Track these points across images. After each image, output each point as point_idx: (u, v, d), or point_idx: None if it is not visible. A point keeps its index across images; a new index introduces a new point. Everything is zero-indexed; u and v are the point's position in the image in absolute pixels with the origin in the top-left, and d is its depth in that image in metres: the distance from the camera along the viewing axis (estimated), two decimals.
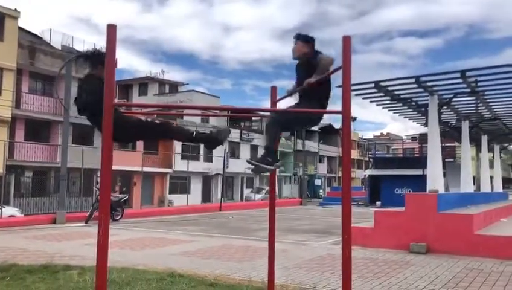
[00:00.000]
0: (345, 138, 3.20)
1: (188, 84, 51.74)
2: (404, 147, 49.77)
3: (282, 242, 9.74)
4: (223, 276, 6.47)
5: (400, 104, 14.83)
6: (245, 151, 43.50)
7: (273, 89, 4.48)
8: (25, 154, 25.39)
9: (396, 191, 26.49)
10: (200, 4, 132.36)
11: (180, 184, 35.10)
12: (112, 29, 2.81)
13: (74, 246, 9.62)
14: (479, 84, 12.29)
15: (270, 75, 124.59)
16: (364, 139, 63.50)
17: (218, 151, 36.05)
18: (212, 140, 4.12)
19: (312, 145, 51.81)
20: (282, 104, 4.51)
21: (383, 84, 12.73)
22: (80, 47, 26.52)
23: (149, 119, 4.18)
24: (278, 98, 4.45)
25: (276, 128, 4.08)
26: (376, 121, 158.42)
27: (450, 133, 19.97)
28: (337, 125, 49.36)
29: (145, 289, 5.48)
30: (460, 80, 11.79)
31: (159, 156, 34.96)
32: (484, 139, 19.51)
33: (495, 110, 15.49)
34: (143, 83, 43.60)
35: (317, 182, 49.01)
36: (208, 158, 38.65)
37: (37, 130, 26.63)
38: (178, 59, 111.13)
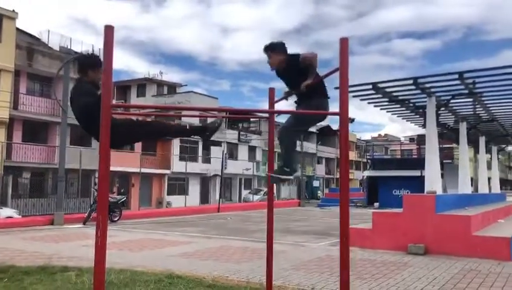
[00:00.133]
0: (343, 140, 3.20)
1: (186, 85, 51.58)
2: (402, 148, 49.80)
3: (280, 243, 9.74)
4: (221, 277, 6.47)
5: (398, 106, 14.83)
6: (243, 153, 43.51)
7: (271, 91, 4.47)
8: (23, 155, 25.34)
9: (394, 192, 26.51)
10: (199, 5, 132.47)
11: (178, 185, 35.09)
12: (109, 30, 2.81)
13: (72, 248, 9.60)
14: (477, 85, 12.28)
15: (268, 77, 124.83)
16: (362, 140, 63.58)
17: (217, 153, 36.14)
18: (206, 130, 4.10)
19: (310, 147, 51.80)
20: (280, 106, 4.52)
21: (380, 85, 12.73)
22: (78, 48, 26.56)
23: (140, 118, 4.15)
24: (276, 99, 4.45)
25: (289, 136, 4.10)
26: (374, 122, 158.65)
27: (447, 135, 19.98)
28: (335, 126, 49.40)
29: None
30: (458, 82, 11.80)
31: (157, 157, 34.93)
32: (482, 140, 19.52)
33: (493, 111, 15.50)
34: (141, 84, 43.58)
35: (316, 183, 49.04)
36: (206, 159, 38.65)
37: (35, 131, 26.59)
38: (176, 60, 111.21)
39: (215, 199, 33.28)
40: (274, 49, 4.10)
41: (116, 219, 15.97)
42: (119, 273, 6.22)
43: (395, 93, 13.42)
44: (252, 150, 44.88)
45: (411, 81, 11.92)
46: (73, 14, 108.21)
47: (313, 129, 53.06)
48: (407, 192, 21.85)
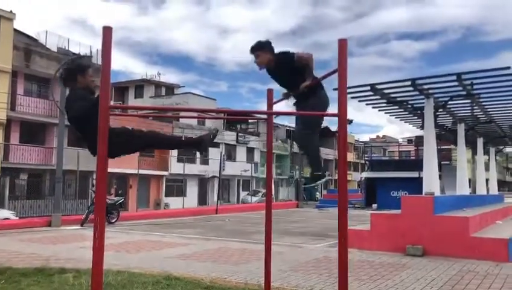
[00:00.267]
0: (341, 141, 3.19)
1: (184, 86, 51.56)
2: (400, 149, 49.85)
3: (278, 245, 9.72)
4: (219, 279, 6.45)
5: (396, 107, 14.86)
6: (241, 154, 43.50)
7: (270, 92, 4.47)
8: (20, 156, 25.29)
9: (393, 193, 26.51)
10: (197, 7, 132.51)
11: (176, 187, 35.06)
12: (107, 31, 2.80)
13: (69, 249, 9.57)
14: (475, 87, 12.31)
15: (266, 78, 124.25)
16: (361, 141, 63.65)
17: (215, 154, 36.11)
18: (201, 142, 4.10)
19: None
20: (279, 107, 4.52)
21: (379, 87, 12.75)
22: (76, 49, 26.53)
23: (136, 129, 4.15)
24: (274, 100, 4.45)
25: (304, 141, 4.11)
26: (372, 123, 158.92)
27: (445, 136, 20.02)
28: (334, 128, 49.37)
29: None
30: (456, 83, 11.82)
31: (154, 159, 34.88)
32: (480, 141, 19.56)
33: (490, 113, 15.54)
34: (139, 85, 43.57)
35: None
36: (204, 161, 38.62)
37: (32, 132, 26.54)
38: (174, 61, 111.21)
39: (213, 201, 33.25)
40: (262, 48, 4.07)
41: (113, 221, 15.93)
42: (117, 275, 6.20)
43: (393, 95, 13.44)
44: (250, 151, 44.87)
45: (409, 83, 11.94)
46: (71, 15, 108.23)
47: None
48: (406, 193, 21.84)
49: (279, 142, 46.87)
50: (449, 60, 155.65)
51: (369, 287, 6.19)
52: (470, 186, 17.71)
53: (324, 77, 3.84)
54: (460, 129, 15.96)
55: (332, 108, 3.79)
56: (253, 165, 41.91)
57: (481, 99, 13.74)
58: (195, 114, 26.98)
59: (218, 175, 27.59)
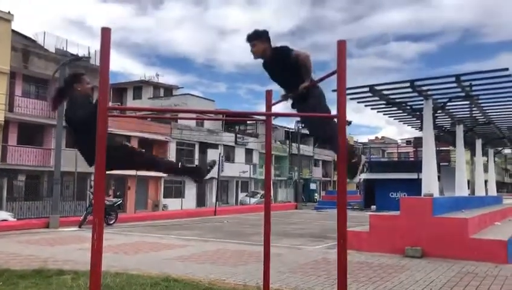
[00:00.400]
0: (340, 142, 3.18)
1: (182, 87, 51.67)
2: (399, 151, 49.91)
3: (277, 246, 9.70)
4: (217, 281, 6.43)
5: (395, 108, 14.86)
6: (240, 155, 43.47)
7: (268, 93, 4.45)
8: (18, 158, 25.23)
9: (391, 195, 26.52)
10: (195, 8, 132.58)
11: (175, 188, 35.03)
12: (106, 32, 2.79)
13: (68, 251, 9.54)
14: (474, 88, 12.32)
15: (265, 79, 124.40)
16: (360, 143, 63.66)
17: (213, 155, 36.09)
18: (198, 171, 4.17)
19: (307, 149, 51.85)
20: (278, 108, 4.51)
21: (377, 88, 12.75)
22: (74, 50, 26.52)
23: (136, 148, 4.21)
24: (273, 102, 4.44)
25: (324, 140, 4.09)
26: (371, 125, 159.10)
27: (444, 137, 20.03)
28: None
29: None
30: (454, 84, 11.83)
31: None
32: (478, 143, 19.58)
33: (489, 114, 15.55)
34: (137, 87, 43.54)
35: (312, 186, 49.06)
36: (203, 162, 38.58)
37: (30, 133, 26.49)
38: (172, 62, 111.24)
39: (212, 202, 33.23)
40: (258, 37, 4.03)
41: (112, 222, 15.91)
42: (115, 277, 6.18)
43: (392, 96, 13.45)
44: (248, 152, 44.85)
45: (408, 84, 11.95)
46: (69, 16, 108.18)
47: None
48: (404, 195, 21.83)
49: (277, 143, 46.87)
50: (448, 61, 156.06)
51: (368, 289, 6.18)
52: (468, 188, 17.71)
53: (323, 78, 3.83)
54: (459, 130, 15.97)
55: (332, 109, 3.78)
56: (251, 166, 41.89)
57: (480, 101, 13.76)
58: (193, 115, 26.99)
59: (216, 176, 27.54)
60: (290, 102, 4.26)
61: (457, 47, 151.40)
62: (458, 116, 15.71)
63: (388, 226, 9.70)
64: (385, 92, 13.10)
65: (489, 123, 16.76)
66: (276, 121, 45.32)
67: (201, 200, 38.47)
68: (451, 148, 28.06)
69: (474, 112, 15.42)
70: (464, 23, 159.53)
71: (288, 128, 49.29)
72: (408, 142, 57.01)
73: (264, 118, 5.04)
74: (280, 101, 4.35)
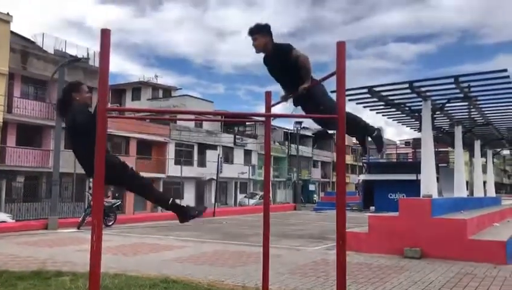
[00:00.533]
0: (340, 143, 3.18)
1: (181, 88, 51.72)
2: (398, 152, 49.92)
3: (276, 247, 9.69)
4: (216, 282, 6.43)
5: (394, 110, 14.86)
6: (239, 156, 43.46)
7: (268, 94, 4.46)
8: (17, 159, 25.20)
9: (390, 196, 26.55)
10: (194, 9, 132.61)
11: (174, 189, 34.94)
12: (105, 33, 2.79)
13: (66, 252, 9.53)
14: (472, 89, 12.34)
15: (264, 80, 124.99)
16: (358, 144, 63.62)
17: (212, 156, 36.10)
18: (184, 214, 4.20)
19: (306, 150, 51.87)
20: (277, 109, 4.51)
21: (376, 89, 12.75)
22: (73, 51, 26.47)
23: (135, 170, 4.24)
24: (272, 103, 4.44)
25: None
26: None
27: (443, 138, 20.04)
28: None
29: None
30: (453, 86, 11.83)
31: (152, 161, 34.85)
32: (477, 144, 19.60)
33: (488, 115, 15.56)
34: (136, 88, 43.52)
35: (311, 187, 49.06)
36: (202, 163, 38.61)
37: (29, 134, 26.45)
38: (171, 64, 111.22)
39: (211, 203, 33.17)
40: (260, 31, 4.03)
41: (110, 223, 15.90)
42: (114, 278, 6.17)
43: (390, 97, 13.45)
44: (247, 153, 44.85)
45: (407, 85, 11.95)
46: (68, 17, 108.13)
47: (308, 133, 53.18)
48: (403, 196, 21.87)
49: (276, 144, 46.87)
50: (447, 62, 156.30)
51: (368, 289, 6.18)
52: (467, 189, 17.71)
53: (322, 80, 3.84)
54: (458, 132, 15.99)
55: None
56: (250, 167, 41.88)
57: (478, 102, 13.78)
58: (192, 116, 26.98)
59: (215, 177, 27.54)
60: (289, 103, 4.26)
61: (456, 48, 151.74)
62: (457, 117, 15.73)
63: (387, 227, 9.71)
64: (384, 93, 13.11)
65: (488, 124, 16.78)
66: (275, 122, 45.31)
67: (200, 201, 38.43)
68: (450, 149, 28.09)
69: (472, 113, 15.44)
70: (462, 24, 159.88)
71: (287, 129, 49.30)
72: (407, 143, 56.92)
73: (263, 119, 5.04)
74: (279, 102, 4.35)
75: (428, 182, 11.90)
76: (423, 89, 12.23)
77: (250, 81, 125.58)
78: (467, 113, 15.48)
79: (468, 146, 19.74)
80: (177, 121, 35.57)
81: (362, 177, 33.28)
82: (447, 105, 13.55)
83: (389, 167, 32.83)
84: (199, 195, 38.88)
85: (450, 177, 17.36)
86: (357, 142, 4.17)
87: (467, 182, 18.20)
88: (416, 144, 32.30)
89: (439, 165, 24.67)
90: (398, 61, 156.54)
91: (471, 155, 20.49)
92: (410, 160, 35.54)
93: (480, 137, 19.67)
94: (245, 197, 40.95)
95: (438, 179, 15.46)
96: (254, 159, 45.17)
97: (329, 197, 33.15)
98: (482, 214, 11.34)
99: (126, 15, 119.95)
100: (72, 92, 4.15)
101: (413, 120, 16.11)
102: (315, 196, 48.10)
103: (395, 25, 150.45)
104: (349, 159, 58.75)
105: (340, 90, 3.10)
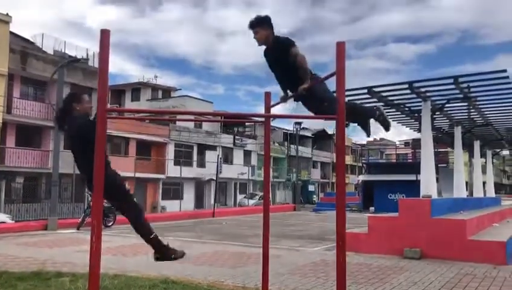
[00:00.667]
0: (339, 143, 3.18)
1: (181, 89, 51.60)
2: (398, 152, 49.94)
3: (275, 248, 9.69)
4: (216, 282, 6.42)
5: (393, 110, 14.86)
6: (238, 157, 43.45)
7: (267, 95, 4.46)
8: (16, 159, 25.18)
9: (390, 196, 26.55)
10: (194, 9, 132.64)
11: (173, 190, 34.98)
12: (105, 34, 2.79)
13: (66, 253, 9.52)
14: (472, 90, 12.35)
15: (263, 80, 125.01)
16: (358, 144, 63.67)
17: (211, 157, 36.09)
18: (164, 253, 4.23)
19: (305, 151, 51.85)
20: (276, 110, 4.51)
21: (376, 89, 12.76)
22: (72, 52, 26.47)
23: (130, 190, 4.26)
24: (272, 103, 4.44)
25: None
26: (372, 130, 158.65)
27: (442, 139, 20.06)
28: (331, 130, 49.49)
29: None
30: (453, 86, 11.84)
31: (151, 162, 34.83)
32: (477, 144, 19.60)
33: (487, 116, 15.57)
34: (136, 88, 43.49)
35: (311, 187, 49.03)
36: (201, 164, 38.60)
37: (29, 135, 26.44)
38: (171, 64, 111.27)
39: (210, 204, 33.19)
40: (260, 24, 4.02)
41: (110, 224, 15.86)
42: (114, 279, 6.16)
43: (390, 98, 13.46)
44: (247, 154, 44.83)
45: (406, 86, 11.96)
46: (68, 17, 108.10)
47: (308, 133, 53.19)
48: (403, 196, 21.88)
49: (276, 145, 46.86)
50: (446, 62, 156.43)
51: None
52: (467, 189, 17.71)
53: (322, 80, 3.84)
54: (457, 132, 15.99)
55: None
56: (250, 168, 41.87)
57: (478, 102, 13.79)
58: (192, 117, 26.99)
59: (215, 178, 27.52)
60: (289, 103, 4.26)
61: (456, 48, 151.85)
62: (456, 117, 15.73)
63: (387, 228, 9.71)
64: (384, 94, 13.11)
65: (488, 125, 16.79)
66: (274, 123, 45.32)
67: (199, 202, 38.44)
68: (449, 149, 28.08)
69: (472, 114, 15.45)
70: (462, 25, 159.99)
71: (286, 129, 49.31)
72: (406, 143, 57.06)
73: (262, 119, 5.04)
74: (279, 102, 4.35)
75: (428, 183, 11.91)
76: (423, 89, 12.24)
77: (250, 81, 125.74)
78: (466, 114, 15.48)
79: (468, 146, 19.76)
80: (177, 122, 35.57)
81: (362, 177, 33.29)
82: (447, 105, 13.56)
83: (388, 167, 32.87)
84: (199, 196, 38.86)
85: (450, 177, 17.36)
86: (359, 126, 4.16)
87: (467, 183, 18.20)
88: (415, 144, 32.29)
89: (439, 165, 24.69)
90: (397, 62, 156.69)
91: (471, 155, 20.50)
92: (410, 160, 35.51)
93: (479, 137, 19.68)
94: (244, 197, 40.94)
95: (437, 179, 15.46)
96: (254, 160, 45.17)
97: (328, 198, 33.15)
98: (482, 215, 11.35)
99: (126, 15, 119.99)
100: (72, 102, 4.16)
101: (413, 120, 16.11)
102: (314, 196, 48.06)
103: (394, 25, 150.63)
104: (348, 159, 58.73)
105: (340, 90, 3.10)
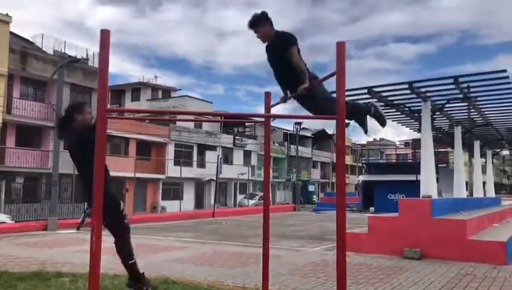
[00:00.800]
0: (339, 143, 3.18)
1: (181, 89, 51.55)
2: (398, 152, 49.94)
3: (275, 248, 9.69)
4: (216, 282, 6.42)
5: (393, 110, 14.86)
6: (238, 157, 43.45)
7: (267, 95, 4.46)
8: (16, 160, 25.18)
9: (390, 196, 26.56)
10: (194, 9, 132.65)
11: (173, 190, 34.98)
12: (105, 34, 2.78)
13: (66, 253, 9.52)
14: (472, 90, 12.35)
15: (263, 80, 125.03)
16: (358, 144, 63.68)
17: (211, 157, 36.10)
18: (138, 279, 4.23)
19: (305, 151, 51.85)
20: (276, 110, 4.51)
21: (376, 89, 12.75)
22: (72, 52, 26.49)
23: (125, 213, 4.27)
24: (272, 103, 4.43)
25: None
26: (369, 126, 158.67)
27: (442, 139, 20.05)
28: (331, 130, 49.48)
29: None
30: (453, 86, 11.84)
31: (151, 162, 34.83)
32: (477, 144, 19.60)
33: (487, 116, 15.57)
34: (136, 88, 43.49)
35: (311, 187, 49.05)
36: (201, 164, 38.60)
37: (28, 135, 26.44)
38: (171, 64, 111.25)
39: (210, 204, 33.20)
40: (259, 23, 4.02)
41: None
42: (114, 279, 6.16)
43: (390, 98, 13.45)
44: (247, 154, 44.83)
45: (406, 86, 11.95)
46: (68, 18, 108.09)
47: (308, 133, 53.18)
48: (403, 196, 21.89)
49: (276, 145, 46.86)
50: (446, 62, 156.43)
51: None
52: (467, 189, 17.71)
53: (322, 80, 3.84)
54: (457, 132, 15.98)
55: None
56: (250, 168, 41.87)
57: (478, 102, 13.78)
58: (192, 117, 27.01)
59: (215, 178, 27.53)
60: (289, 104, 4.25)
61: (456, 48, 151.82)
62: (456, 117, 15.73)
63: (387, 228, 9.71)
64: (384, 94, 13.11)
65: (488, 125, 16.78)
66: (274, 123, 45.31)
67: (199, 202, 38.44)
68: (449, 149, 28.08)
69: (472, 114, 15.44)
70: (462, 25, 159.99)
71: (286, 130, 49.31)
72: (406, 143, 57.07)
73: (262, 119, 5.04)
74: (279, 103, 4.34)
75: (428, 183, 11.90)
76: (423, 89, 12.23)
77: (250, 81, 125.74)
78: (466, 114, 15.48)
79: (468, 146, 19.75)
80: (177, 122, 35.58)
81: (362, 177, 33.30)
82: (447, 105, 13.56)
83: (388, 167, 32.87)
84: (199, 196, 38.86)
85: (450, 177, 17.36)
86: (356, 123, 4.17)
87: (467, 183, 18.20)
88: (415, 144, 32.30)
89: (439, 165, 24.68)
90: (398, 62, 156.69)
91: (471, 156, 20.49)
92: (410, 160, 35.53)
93: (479, 137, 19.68)
94: (244, 197, 40.94)
95: (437, 179, 15.46)
96: (253, 160, 45.17)
97: (328, 198, 33.16)
98: (482, 215, 11.34)
99: (126, 16, 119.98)
100: (74, 112, 4.17)
101: (413, 121, 16.11)
102: (314, 196, 48.07)
103: (394, 25, 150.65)
104: (348, 159, 58.75)
105: (340, 90, 3.10)
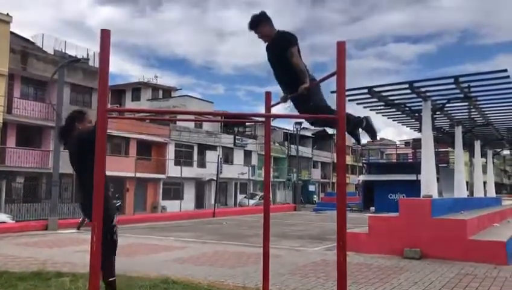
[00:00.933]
0: (340, 143, 3.18)
1: (181, 89, 51.66)
2: (398, 152, 49.89)
3: (276, 248, 9.69)
4: (217, 282, 6.42)
5: (394, 110, 14.85)
6: (239, 157, 43.44)
7: (267, 94, 4.46)
8: (17, 159, 25.19)
9: (390, 196, 26.55)
10: (194, 9, 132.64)
11: (174, 190, 34.98)
12: (105, 34, 2.78)
13: (66, 253, 9.53)
14: (472, 89, 12.33)
15: (264, 80, 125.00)
16: (358, 144, 63.58)
17: (212, 157, 36.11)
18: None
19: (306, 151, 51.84)
20: (276, 110, 4.50)
21: (376, 89, 12.74)
22: (73, 52, 26.49)
23: (115, 227, 4.26)
24: (272, 103, 4.43)
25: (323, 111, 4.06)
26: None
27: (443, 139, 20.03)
28: (331, 130, 49.45)
29: None
30: (453, 86, 11.83)
31: (152, 162, 34.83)
32: (477, 144, 19.59)
33: (488, 115, 15.56)
34: (136, 88, 43.50)
35: (311, 187, 49.05)
36: (202, 164, 38.60)
37: (29, 135, 26.45)
38: (171, 64, 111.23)
39: (211, 204, 33.20)
40: (259, 24, 4.02)
41: None
42: None
43: (390, 98, 13.44)
44: (247, 154, 44.82)
45: (407, 85, 11.94)
46: (68, 18, 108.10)
47: (308, 133, 53.16)
48: (403, 196, 21.87)
49: (276, 145, 46.86)
50: (447, 62, 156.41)
51: None
52: (467, 189, 17.71)
53: (323, 80, 3.83)
54: (458, 132, 15.97)
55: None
56: (250, 168, 41.86)
57: (478, 102, 13.77)
58: (192, 117, 27.00)
59: (215, 178, 27.53)
60: (289, 103, 4.25)
61: (456, 48, 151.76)
62: (457, 117, 15.72)
63: (387, 228, 9.71)
64: (384, 94, 13.10)
65: (488, 124, 16.77)
66: (275, 123, 45.32)
67: (200, 202, 38.44)
68: (450, 149, 28.05)
69: (472, 114, 15.43)
70: (462, 25, 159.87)
71: (287, 129, 49.31)
72: (407, 143, 56.98)
73: (263, 119, 5.04)
74: (279, 102, 4.34)
75: (429, 183, 11.90)
76: (423, 89, 12.22)
77: (250, 81, 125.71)
78: (467, 114, 15.47)
79: (468, 146, 19.74)
80: (177, 122, 35.58)
81: (362, 177, 33.29)
82: (447, 105, 13.55)
83: (389, 167, 32.85)
84: (199, 196, 38.86)
85: (450, 177, 17.35)
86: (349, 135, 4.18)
87: (467, 183, 18.19)
88: (416, 144, 32.27)
89: (439, 165, 24.66)
90: (398, 62, 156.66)
91: (471, 155, 20.49)
92: (410, 160, 35.50)
93: (480, 137, 19.67)
94: (245, 197, 40.93)
95: (438, 179, 15.45)
96: (254, 160, 45.16)
97: (329, 198, 33.18)
98: (482, 215, 11.34)
99: (126, 16, 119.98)
100: (75, 121, 4.19)
101: (413, 120, 16.10)
102: (315, 196, 48.08)
103: (395, 25, 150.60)
104: (349, 159, 58.70)
105: (340, 90, 3.10)
